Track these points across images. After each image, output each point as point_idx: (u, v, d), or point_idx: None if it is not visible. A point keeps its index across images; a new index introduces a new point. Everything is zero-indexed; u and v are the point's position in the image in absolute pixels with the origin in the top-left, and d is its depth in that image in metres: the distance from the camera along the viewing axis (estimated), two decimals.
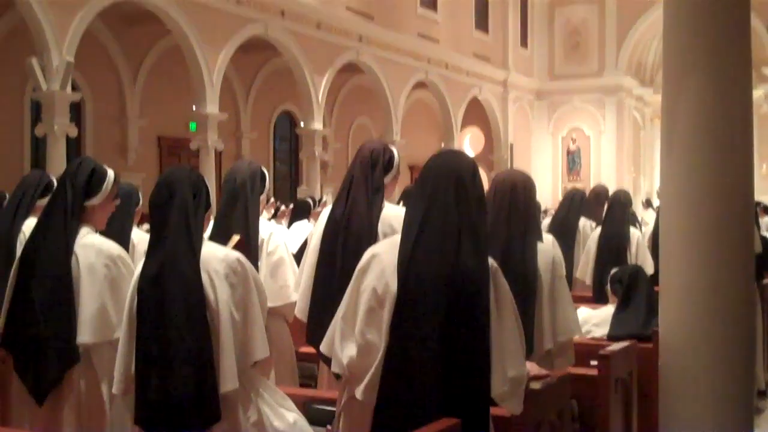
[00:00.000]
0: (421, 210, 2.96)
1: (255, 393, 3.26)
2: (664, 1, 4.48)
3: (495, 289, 2.94)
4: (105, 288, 3.84)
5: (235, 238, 3.99)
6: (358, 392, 2.94)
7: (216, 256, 3.23)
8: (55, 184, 4.70)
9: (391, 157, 4.27)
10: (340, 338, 3.03)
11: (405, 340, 2.85)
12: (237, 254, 3.30)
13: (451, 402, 2.80)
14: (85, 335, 3.79)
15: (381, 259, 3.02)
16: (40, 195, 5.40)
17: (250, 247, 4.39)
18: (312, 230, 4.71)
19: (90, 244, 3.90)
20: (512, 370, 2.94)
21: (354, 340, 2.98)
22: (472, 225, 2.93)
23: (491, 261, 2.97)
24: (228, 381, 3.10)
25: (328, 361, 4.05)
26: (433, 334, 2.82)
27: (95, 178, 3.99)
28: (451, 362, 2.81)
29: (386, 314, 2.91)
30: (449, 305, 2.83)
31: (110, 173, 4.08)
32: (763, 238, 8.43)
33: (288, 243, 4.93)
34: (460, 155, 3.17)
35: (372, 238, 4.01)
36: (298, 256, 4.83)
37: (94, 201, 3.98)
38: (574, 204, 8.56)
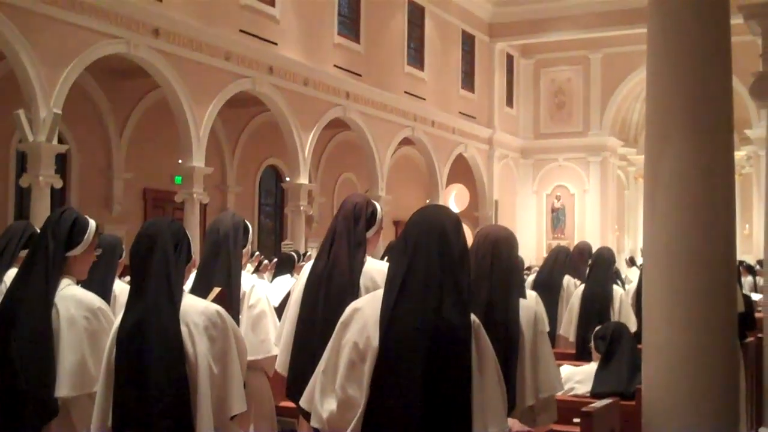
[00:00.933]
0: (404, 264, 2.95)
1: None
2: (647, 63, 4.54)
3: (477, 345, 2.93)
4: (84, 341, 3.80)
5: (216, 290, 3.98)
6: None
7: (196, 308, 3.21)
8: None
9: (374, 211, 4.28)
10: (320, 393, 3.01)
11: (386, 395, 2.83)
12: (217, 307, 3.28)
13: None
14: (64, 389, 3.74)
15: (363, 314, 3.01)
16: (23, 246, 5.37)
17: (231, 300, 4.37)
18: (294, 284, 4.70)
19: (70, 296, 3.86)
20: (493, 427, 2.92)
21: (334, 394, 2.96)
22: (454, 279, 2.92)
23: (473, 317, 2.96)
24: None
25: (307, 415, 4.02)
26: (414, 389, 2.80)
27: (77, 228, 3.97)
28: (432, 418, 2.78)
29: (367, 369, 2.89)
30: (430, 360, 2.82)
31: (92, 224, 4.06)
32: (745, 297, 8.47)
33: (270, 296, 4.91)
34: (443, 210, 3.17)
35: (354, 292, 4.00)
36: (280, 310, 4.81)
37: (76, 251, 3.96)
38: (559, 261, 8.59)
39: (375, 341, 2.90)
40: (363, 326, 2.97)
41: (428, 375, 2.81)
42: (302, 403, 3.15)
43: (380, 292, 3.01)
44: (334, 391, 2.96)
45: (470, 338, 2.89)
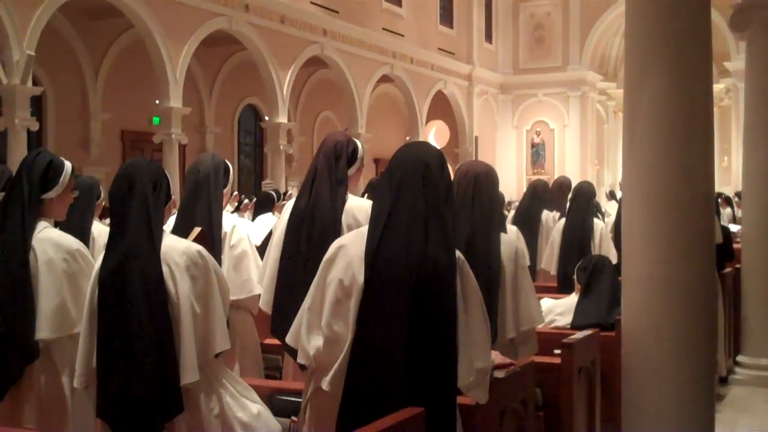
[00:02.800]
0: (388, 201, 2.94)
1: (218, 384, 3.25)
2: None
3: (462, 281, 2.94)
4: (64, 283, 3.79)
5: (196, 230, 3.97)
6: (325, 383, 2.93)
7: (177, 248, 3.21)
8: None
9: (355, 149, 4.26)
10: (307, 330, 3.01)
11: (372, 331, 2.84)
12: (198, 247, 3.28)
13: (418, 392, 2.79)
14: (44, 331, 3.75)
15: (348, 251, 3.00)
16: (0, 189, 5.33)
17: (213, 240, 4.37)
18: (276, 223, 4.70)
19: (48, 239, 3.84)
20: (479, 362, 2.95)
21: (320, 331, 2.97)
22: (439, 215, 2.92)
23: (458, 253, 2.97)
24: (188, 373, 3.08)
25: (293, 352, 4.04)
26: (400, 325, 2.81)
27: (52, 170, 3.92)
28: (418, 352, 2.80)
29: (353, 305, 2.90)
30: (416, 296, 2.82)
31: (67, 165, 4.02)
32: (723, 228, 8.55)
33: (252, 235, 4.91)
34: (427, 146, 3.16)
35: (336, 229, 4.01)
36: (262, 249, 4.81)
37: (52, 194, 3.92)
38: (537, 195, 8.63)
39: (360, 278, 2.90)
40: (348, 263, 2.96)
41: (414, 312, 2.81)
42: (288, 340, 3.16)
43: (365, 230, 3.01)
44: (320, 327, 2.97)
45: (455, 275, 2.90)
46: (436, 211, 2.92)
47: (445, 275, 2.86)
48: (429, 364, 2.80)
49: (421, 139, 22.32)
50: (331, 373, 2.92)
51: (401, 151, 3.08)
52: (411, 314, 2.81)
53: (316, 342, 2.97)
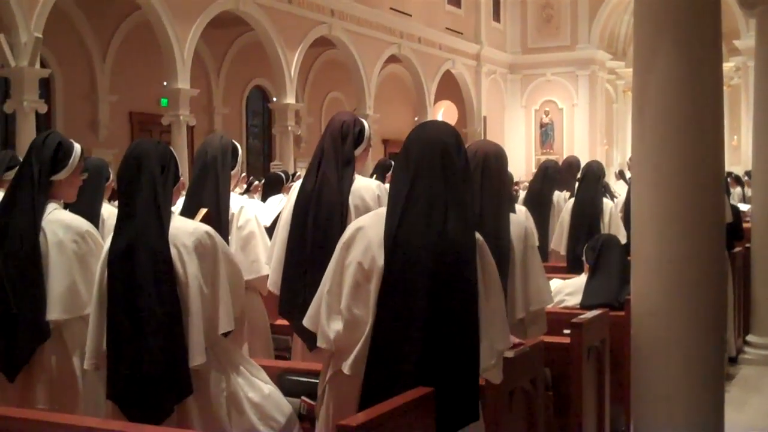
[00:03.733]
0: (406, 182, 2.90)
1: (229, 365, 3.25)
2: None
3: (481, 263, 2.91)
4: (74, 264, 3.80)
5: (203, 211, 3.97)
6: (346, 367, 2.90)
7: (185, 229, 3.21)
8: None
9: (362, 129, 4.25)
10: (326, 313, 2.97)
11: (393, 314, 2.81)
12: (206, 228, 3.28)
13: (440, 374, 2.77)
14: (55, 312, 3.76)
15: (366, 233, 2.96)
16: (5, 169, 5.34)
17: (220, 221, 4.37)
18: (284, 203, 4.70)
19: (58, 220, 3.85)
20: (499, 344, 2.94)
21: (340, 315, 2.93)
22: (458, 196, 2.89)
23: (477, 235, 2.94)
24: (196, 355, 3.09)
25: (301, 333, 4.06)
26: (422, 307, 2.78)
27: (61, 152, 3.93)
28: (440, 335, 2.77)
29: (373, 289, 2.87)
30: (437, 277, 2.79)
31: (76, 147, 4.02)
32: (733, 207, 8.52)
33: (262, 216, 4.91)
34: (444, 126, 3.11)
35: (343, 210, 4.00)
36: (272, 229, 4.81)
37: (61, 175, 3.92)
38: (548, 175, 8.60)
39: (380, 261, 2.87)
40: (367, 246, 2.93)
41: (434, 294, 2.79)
42: (306, 323, 3.10)
43: (383, 211, 2.97)
44: (340, 311, 2.93)
45: (475, 253, 2.87)
46: (455, 191, 2.89)
47: (465, 256, 2.83)
48: (451, 346, 2.78)
49: (429, 119, 22.28)
50: (352, 356, 2.89)
51: (417, 131, 3.04)
52: (432, 297, 2.78)
53: (336, 326, 2.93)
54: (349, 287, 2.92)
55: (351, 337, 2.90)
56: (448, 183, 2.88)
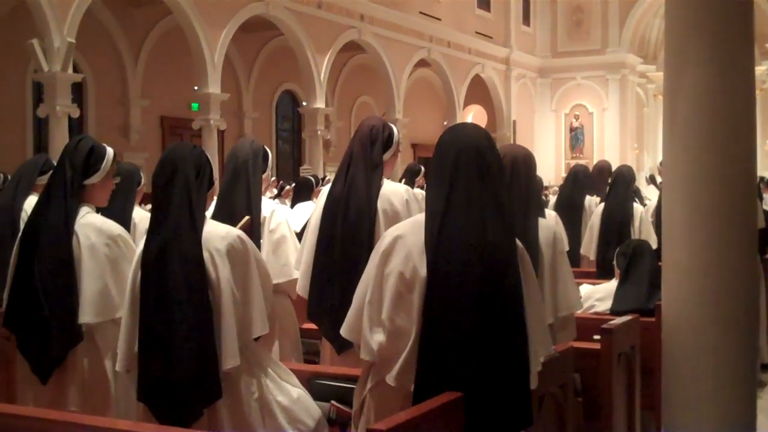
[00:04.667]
0: (444, 187, 2.85)
1: (258, 369, 3.27)
2: None
3: (522, 267, 2.87)
4: (106, 268, 3.84)
5: (245, 219, 3.99)
6: (391, 378, 2.85)
7: (217, 234, 3.23)
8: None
9: (391, 133, 4.26)
10: (369, 324, 2.91)
11: (441, 324, 2.76)
12: (238, 232, 3.30)
13: (495, 381, 2.74)
14: (87, 315, 3.80)
15: (405, 242, 2.90)
16: (39, 173, 5.40)
17: (252, 226, 4.40)
18: (314, 207, 4.72)
19: (90, 224, 3.89)
20: (543, 349, 2.92)
21: (381, 325, 2.88)
22: (496, 199, 2.84)
23: (517, 241, 2.90)
24: (229, 358, 3.11)
25: (329, 337, 4.07)
26: (468, 314, 2.74)
27: (94, 156, 3.96)
28: (492, 341, 2.73)
29: (416, 299, 2.81)
30: (482, 284, 2.75)
31: (109, 151, 4.06)
32: (766, 213, 8.43)
33: (292, 222, 4.93)
34: (475, 127, 3.06)
35: (371, 214, 4.01)
36: (301, 235, 4.83)
37: (94, 179, 3.96)
38: (578, 180, 8.56)
39: (422, 271, 2.81)
40: (407, 255, 2.87)
41: (482, 301, 2.74)
42: (343, 332, 3.06)
43: (421, 218, 2.92)
44: (381, 321, 2.88)
45: (516, 254, 2.83)
46: (493, 194, 2.85)
47: (507, 259, 2.79)
48: (503, 352, 2.74)
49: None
50: (397, 367, 2.84)
51: (449, 135, 2.99)
52: (480, 304, 2.74)
53: (379, 337, 2.88)
54: (390, 298, 2.87)
55: (394, 348, 2.85)
56: (485, 185, 2.84)
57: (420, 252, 2.85)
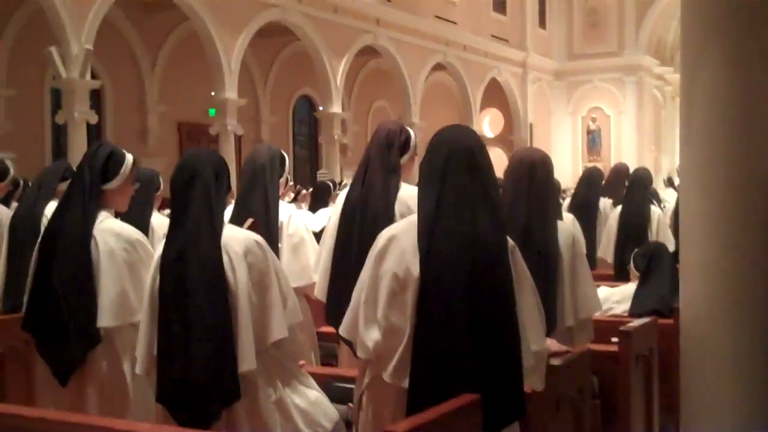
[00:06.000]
0: (435, 189, 2.92)
1: (277, 371, 3.28)
2: None
3: (514, 265, 2.93)
4: (125, 272, 3.86)
5: (250, 220, 4.01)
6: (386, 375, 2.92)
7: (236, 237, 3.25)
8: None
9: (408, 137, 4.27)
10: (364, 323, 2.99)
11: (434, 322, 2.82)
12: (256, 237, 3.31)
13: (485, 377, 2.78)
14: (105, 319, 3.82)
15: (399, 242, 2.98)
16: (60, 179, 5.44)
17: (269, 230, 4.42)
18: (331, 211, 4.73)
19: (108, 229, 3.91)
20: (535, 345, 2.94)
21: (377, 324, 2.95)
22: (487, 199, 2.91)
23: (508, 239, 2.96)
24: (246, 361, 3.11)
25: (349, 343, 4.08)
26: (461, 311, 2.80)
27: (113, 161, 3.99)
28: (484, 338, 2.79)
29: (410, 298, 2.88)
30: (473, 282, 2.81)
31: (128, 157, 4.09)
32: None
33: (310, 224, 4.94)
34: (465, 129, 3.14)
35: (389, 218, 4.01)
36: (320, 237, 4.85)
37: (112, 185, 3.99)
38: (592, 182, 8.53)
39: (415, 271, 2.88)
40: (401, 255, 2.94)
41: (474, 299, 2.80)
42: (342, 332, 3.16)
43: (414, 218, 2.99)
44: (377, 320, 2.95)
45: (507, 252, 2.89)
46: (484, 194, 2.91)
47: (498, 257, 2.85)
48: (495, 349, 2.79)
49: (475, 126, 22.26)
50: (392, 364, 2.90)
51: (440, 136, 3.06)
52: (469, 299, 2.80)
53: (374, 335, 2.95)
54: (385, 297, 2.94)
55: (389, 345, 2.92)
56: (477, 186, 2.90)
57: (413, 252, 2.91)
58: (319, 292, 4.30)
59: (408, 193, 4.17)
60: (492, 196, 2.93)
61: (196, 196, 3.20)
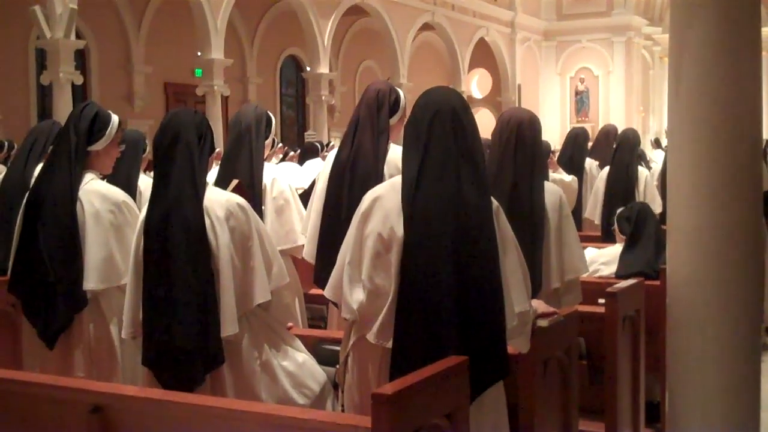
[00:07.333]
0: (419, 149, 2.92)
1: (263, 334, 3.27)
2: None
3: (498, 226, 2.93)
4: (111, 235, 3.85)
5: (234, 182, 3.99)
6: (371, 336, 2.93)
7: (218, 201, 3.22)
8: None
9: (397, 98, 4.24)
10: (349, 284, 3.00)
11: (418, 283, 2.83)
12: (239, 199, 3.29)
13: (468, 338, 2.79)
14: (92, 282, 3.81)
15: (383, 203, 2.98)
16: (51, 142, 5.39)
17: (254, 191, 4.39)
18: (319, 173, 4.71)
19: (94, 191, 3.89)
20: (518, 306, 2.95)
21: (362, 284, 2.97)
22: (471, 160, 2.91)
23: (493, 200, 2.96)
24: (228, 325, 3.11)
25: (334, 302, 4.09)
26: (444, 272, 2.80)
27: (98, 123, 3.96)
28: (467, 299, 2.80)
29: (394, 258, 2.89)
30: (457, 243, 2.82)
31: (114, 118, 4.05)
32: None
33: (300, 179, 4.92)
34: (450, 91, 3.13)
35: (378, 179, 4.00)
36: (309, 193, 4.83)
37: (98, 146, 3.96)
38: (578, 143, 8.54)
39: (399, 231, 2.88)
40: (385, 216, 2.95)
41: (456, 258, 2.81)
42: (327, 293, 3.17)
43: (398, 180, 2.99)
44: (361, 281, 2.97)
45: (491, 213, 2.90)
46: (468, 155, 2.91)
47: (482, 218, 2.85)
48: (478, 310, 2.80)
49: (463, 87, 22.18)
50: (377, 325, 2.92)
51: (424, 98, 3.06)
52: (454, 262, 2.80)
53: (359, 296, 2.97)
54: (369, 258, 2.95)
55: (373, 306, 2.94)
56: (460, 146, 2.90)
57: (397, 213, 2.91)
58: (308, 255, 4.30)
59: (397, 155, 4.12)
60: (476, 158, 2.93)
61: (178, 158, 3.17)
